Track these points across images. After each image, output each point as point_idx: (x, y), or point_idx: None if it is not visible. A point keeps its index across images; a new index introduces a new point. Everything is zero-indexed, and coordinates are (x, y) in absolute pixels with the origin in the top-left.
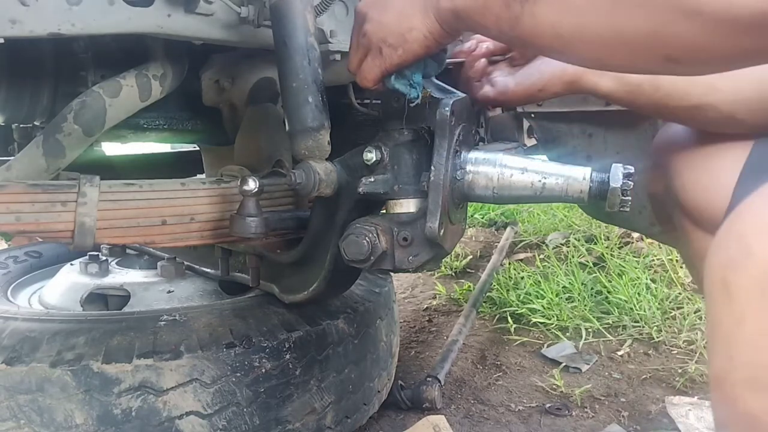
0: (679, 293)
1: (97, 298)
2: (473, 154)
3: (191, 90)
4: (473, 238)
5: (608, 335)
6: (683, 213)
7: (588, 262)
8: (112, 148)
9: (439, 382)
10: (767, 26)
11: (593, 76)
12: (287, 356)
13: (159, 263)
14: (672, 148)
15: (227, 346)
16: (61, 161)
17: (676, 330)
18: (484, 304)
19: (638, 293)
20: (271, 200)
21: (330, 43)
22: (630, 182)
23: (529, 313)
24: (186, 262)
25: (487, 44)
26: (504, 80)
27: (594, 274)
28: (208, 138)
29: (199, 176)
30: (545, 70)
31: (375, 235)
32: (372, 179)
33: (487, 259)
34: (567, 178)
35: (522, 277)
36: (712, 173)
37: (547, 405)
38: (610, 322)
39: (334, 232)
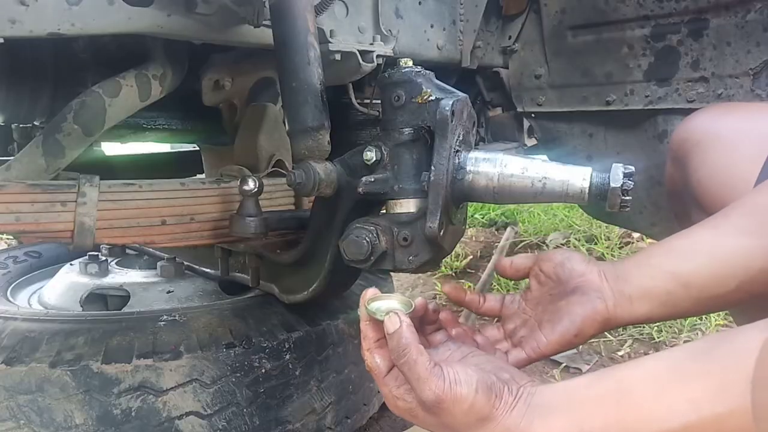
0: None
1: (96, 298)
2: (473, 154)
3: (191, 90)
4: (473, 238)
5: (609, 335)
6: (701, 208)
7: None
8: (112, 148)
9: None
10: None
11: (626, 306)
12: (287, 356)
13: (159, 263)
14: (690, 143)
15: (227, 347)
16: (60, 161)
17: (676, 330)
18: None
19: None
20: (271, 200)
21: (330, 42)
22: (630, 182)
23: None
24: (186, 262)
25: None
26: (529, 339)
27: None
28: (208, 138)
29: (199, 176)
30: (576, 313)
31: (375, 235)
32: (372, 179)
33: (487, 259)
34: (567, 178)
35: None
36: (730, 169)
37: None
38: None
39: (334, 232)
